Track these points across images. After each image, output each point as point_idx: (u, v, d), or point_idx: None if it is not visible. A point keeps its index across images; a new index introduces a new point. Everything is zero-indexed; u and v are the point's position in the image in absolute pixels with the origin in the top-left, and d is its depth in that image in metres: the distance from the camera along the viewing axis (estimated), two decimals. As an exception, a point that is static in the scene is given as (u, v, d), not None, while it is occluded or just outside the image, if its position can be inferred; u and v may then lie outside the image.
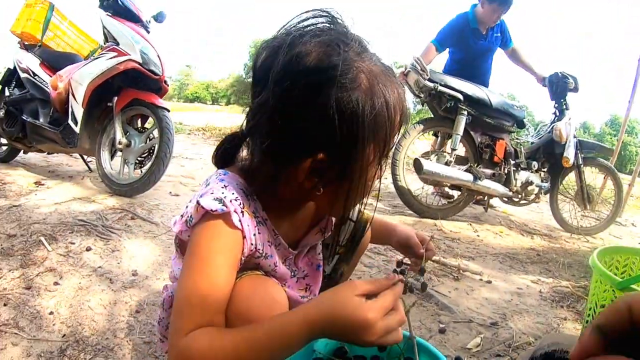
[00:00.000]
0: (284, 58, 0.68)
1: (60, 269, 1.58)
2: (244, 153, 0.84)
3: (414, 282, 0.98)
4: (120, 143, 2.69)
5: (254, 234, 0.78)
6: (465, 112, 3.08)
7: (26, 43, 3.38)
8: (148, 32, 2.89)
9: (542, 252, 2.74)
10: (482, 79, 3.62)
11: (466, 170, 3.12)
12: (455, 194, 3.52)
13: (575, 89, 3.53)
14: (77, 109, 2.71)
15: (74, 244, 1.79)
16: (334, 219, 0.93)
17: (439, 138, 3.51)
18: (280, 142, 0.72)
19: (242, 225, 0.74)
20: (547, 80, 3.64)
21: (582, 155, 3.52)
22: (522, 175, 3.36)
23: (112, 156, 2.87)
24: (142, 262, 1.72)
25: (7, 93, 3.31)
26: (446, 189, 3.60)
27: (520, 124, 3.47)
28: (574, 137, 3.41)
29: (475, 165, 3.20)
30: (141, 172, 2.73)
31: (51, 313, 1.31)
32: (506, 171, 3.27)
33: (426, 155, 3.28)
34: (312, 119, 0.68)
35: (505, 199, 3.45)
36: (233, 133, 0.83)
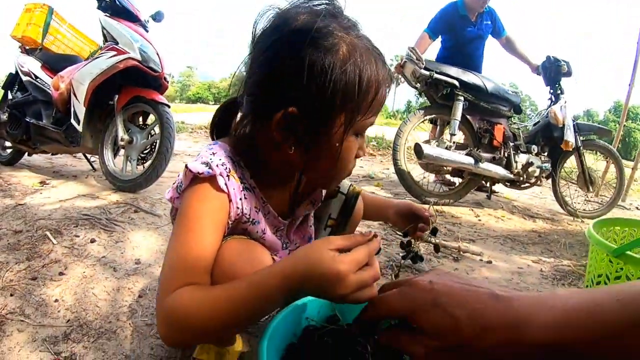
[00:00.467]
0: (276, 20, 0.75)
1: (65, 260, 1.61)
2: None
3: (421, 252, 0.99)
4: (122, 140, 2.72)
5: (240, 198, 0.81)
6: (462, 98, 3.11)
7: (27, 47, 3.44)
8: (147, 31, 2.93)
9: (543, 233, 2.75)
10: (474, 65, 3.65)
11: (467, 154, 3.14)
12: (457, 181, 3.54)
13: (569, 73, 3.55)
14: (79, 108, 2.75)
15: (78, 236, 1.83)
16: (324, 192, 0.96)
17: (438, 126, 3.53)
18: (260, 97, 0.76)
19: (227, 188, 0.77)
20: (541, 67, 3.67)
21: (582, 138, 3.52)
22: (522, 158, 3.37)
23: (115, 154, 2.92)
24: (145, 251, 1.75)
25: (10, 97, 3.36)
26: (447, 176, 3.61)
27: (517, 109, 3.49)
28: (572, 120, 3.41)
29: (475, 149, 3.22)
30: (144, 168, 2.77)
31: (56, 301, 1.34)
32: (506, 154, 3.29)
33: (426, 143, 3.30)
34: (287, 73, 0.72)
35: (508, 183, 3.46)
36: (228, 100, 0.87)
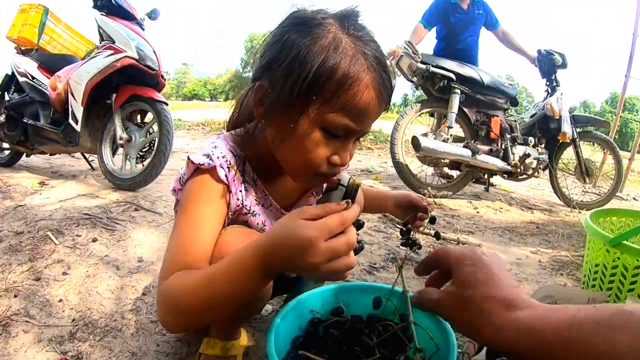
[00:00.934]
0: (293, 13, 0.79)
1: (67, 260, 1.62)
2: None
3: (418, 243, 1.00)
4: (121, 139, 2.73)
5: (240, 190, 0.83)
6: (458, 91, 3.13)
7: (23, 48, 3.42)
8: (143, 29, 2.92)
9: (541, 225, 2.77)
10: (468, 54, 3.68)
11: (464, 147, 3.16)
12: (455, 174, 3.56)
13: (564, 65, 3.58)
14: (77, 108, 2.75)
15: (80, 236, 1.84)
16: (324, 184, 0.97)
17: (435, 120, 3.55)
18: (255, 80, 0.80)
19: (227, 180, 0.79)
20: (536, 60, 3.70)
21: (578, 129, 3.54)
22: (519, 149, 3.39)
23: (113, 152, 2.92)
24: (147, 249, 1.77)
25: (6, 98, 3.35)
26: (445, 169, 3.63)
27: (514, 101, 3.51)
28: (569, 111, 3.44)
29: (473, 142, 3.23)
30: (143, 166, 2.77)
31: (60, 301, 1.35)
32: (503, 146, 3.31)
33: (424, 136, 3.31)
34: (269, 49, 0.76)
35: (505, 175, 3.48)
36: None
